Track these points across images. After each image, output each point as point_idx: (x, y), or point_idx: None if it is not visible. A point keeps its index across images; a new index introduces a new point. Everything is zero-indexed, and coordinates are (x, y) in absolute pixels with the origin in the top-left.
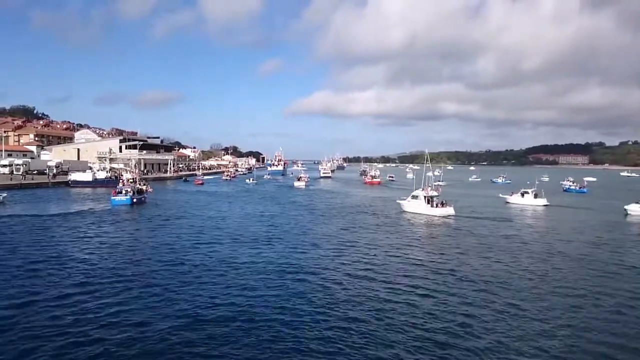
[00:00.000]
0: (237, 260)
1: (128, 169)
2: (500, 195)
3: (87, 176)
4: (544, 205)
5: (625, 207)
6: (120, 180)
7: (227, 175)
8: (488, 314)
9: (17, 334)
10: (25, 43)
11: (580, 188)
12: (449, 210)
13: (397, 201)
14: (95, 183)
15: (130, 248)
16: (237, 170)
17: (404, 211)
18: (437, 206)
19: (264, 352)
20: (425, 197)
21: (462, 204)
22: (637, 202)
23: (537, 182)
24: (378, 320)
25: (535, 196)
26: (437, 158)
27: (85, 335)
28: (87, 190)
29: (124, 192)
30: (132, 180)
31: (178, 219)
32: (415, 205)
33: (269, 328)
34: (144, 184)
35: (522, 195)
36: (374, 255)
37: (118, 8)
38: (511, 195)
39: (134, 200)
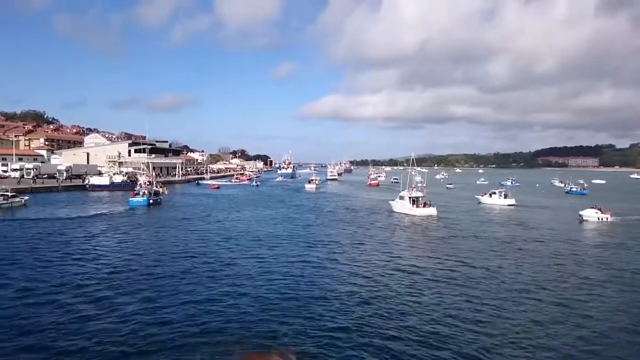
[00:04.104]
0: (253, 256)
1: (143, 172)
2: (475, 196)
3: (104, 180)
4: (510, 205)
5: (580, 212)
6: (139, 183)
7: (237, 177)
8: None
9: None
10: (42, 48)
11: (581, 190)
12: (431, 211)
13: (389, 202)
14: (113, 187)
15: (148, 244)
16: (252, 173)
17: (393, 211)
18: (422, 206)
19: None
20: (409, 198)
21: (446, 204)
22: (592, 207)
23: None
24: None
25: (505, 197)
26: (445, 160)
27: (110, 325)
28: (105, 193)
29: (141, 193)
30: (149, 183)
31: (190, 218)
32: (401, 206)
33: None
34: (160, 187)
35: (490, 195)
36: (361, 251)
37: (137, 14)
38: (482, 196)
39: (151, 201)
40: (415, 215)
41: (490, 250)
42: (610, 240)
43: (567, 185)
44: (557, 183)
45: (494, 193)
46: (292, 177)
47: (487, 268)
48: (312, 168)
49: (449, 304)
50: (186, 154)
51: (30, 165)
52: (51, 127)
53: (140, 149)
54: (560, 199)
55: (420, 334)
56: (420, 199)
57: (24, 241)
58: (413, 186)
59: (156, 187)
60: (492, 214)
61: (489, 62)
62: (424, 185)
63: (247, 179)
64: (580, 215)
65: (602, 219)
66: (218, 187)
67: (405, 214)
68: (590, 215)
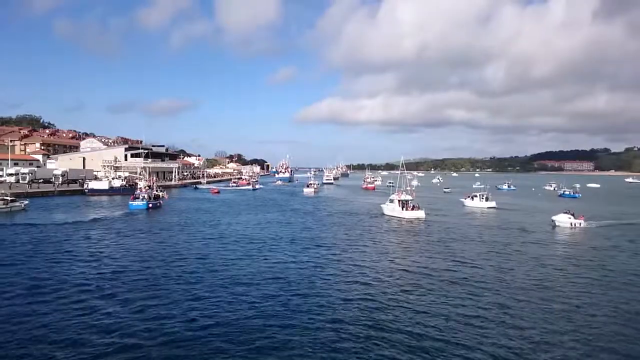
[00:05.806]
0: (253, 260)
1: (142, 176)
2: (459, 199)
3: (103, 184)
4: (491, 208)
5: (553, 217)
6: (138, 187)
7: (235, 182)
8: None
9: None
10: (40, 52)
11: (573, 193)
12: (419, 214)
13: (381, 205)
14: (112, 191)
15: (148, 248)
16: (250, 177)
17: (384, 214)
18: (410, 209)
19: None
20: (399, 201)
21: (436, 207)
22: (565, 212)
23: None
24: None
25: (486, 199)
26: (442, 165)
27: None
28: (104, 197)
29: (141, 197)
30: (148, 187)
31: (189, 221)
32: (391, 209)
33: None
34: (161, 191)
35: (472, 198)
36: (352, 252)
37: (138, 18)
38: (466, 199)
39: (150, 205)
40: (404, 218)
41: (462, 250)
42: (575, 244)
43: (559, 189)
44: (547, 187)
45: (476, 196)
46: (289, 181)
47: (451, 260)
48: (312, 172)
49: (436, 300)
50: (183, 158)
51: (26, 170)
52: (47, 131)
53: (136, 154)
54: (550, 202)
55: (419, 334)
56: (409, 202)
57: (25, 245)
58: (402, 190)
59: (156, 191)
60: (473, 217)
61: (485, 67)
62: (414, 189)
63: (247, 183)
64: (552, 221)
65: (574, 224)
66: (218, 192)
67: (395, 216)
68: (563, 220)
